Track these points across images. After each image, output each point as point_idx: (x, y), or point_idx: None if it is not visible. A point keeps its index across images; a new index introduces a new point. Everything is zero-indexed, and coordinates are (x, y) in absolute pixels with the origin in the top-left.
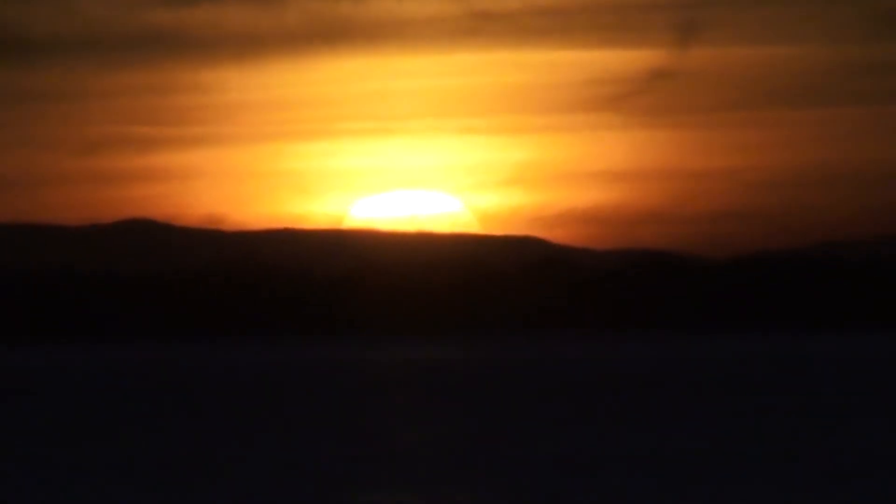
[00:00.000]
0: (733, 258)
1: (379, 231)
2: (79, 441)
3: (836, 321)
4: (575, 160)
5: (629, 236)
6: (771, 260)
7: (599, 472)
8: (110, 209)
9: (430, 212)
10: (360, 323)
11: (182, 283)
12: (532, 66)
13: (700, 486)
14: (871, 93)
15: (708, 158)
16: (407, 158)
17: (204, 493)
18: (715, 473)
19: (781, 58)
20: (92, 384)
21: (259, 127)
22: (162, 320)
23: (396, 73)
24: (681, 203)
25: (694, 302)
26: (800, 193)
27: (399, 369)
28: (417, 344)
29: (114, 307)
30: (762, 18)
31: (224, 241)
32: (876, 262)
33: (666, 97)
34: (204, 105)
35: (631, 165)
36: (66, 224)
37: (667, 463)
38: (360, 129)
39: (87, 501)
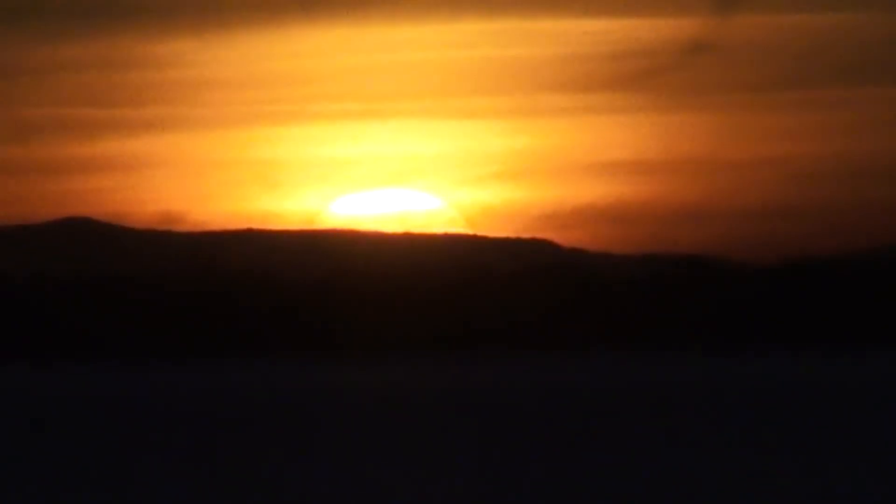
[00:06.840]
0: (783, 263)
1: (361, 232)
2: None
3: None
4: (593, 148)
5: (657, 238)
6: (828, 266)
7: None
8: (43, 206)
9: (421, 209)
10: (337, 340)
11: (128, 295)
12: (543, 36)
13: None
14: None
15: (753, 146)
16: (396, 147)
17: None
18: None
19: (842, 26)
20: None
21: (222, 109)
22: (102, 338)
23: (384, 46)
24: (720, 198)
25: (735, 316)
26: (863, 187)
27: (383, 394)
28: (403, 364)
29: (43, 321)
30: None
31: (180, 244)
32: None
33: (703, 74)
34: (157, 83)
35: (661, 154)
36: None
37: None
38: (341, 111)
39: None
